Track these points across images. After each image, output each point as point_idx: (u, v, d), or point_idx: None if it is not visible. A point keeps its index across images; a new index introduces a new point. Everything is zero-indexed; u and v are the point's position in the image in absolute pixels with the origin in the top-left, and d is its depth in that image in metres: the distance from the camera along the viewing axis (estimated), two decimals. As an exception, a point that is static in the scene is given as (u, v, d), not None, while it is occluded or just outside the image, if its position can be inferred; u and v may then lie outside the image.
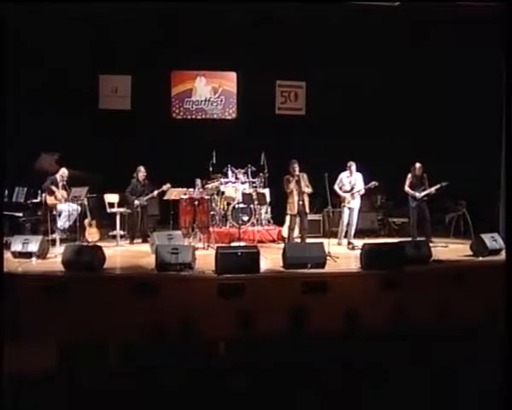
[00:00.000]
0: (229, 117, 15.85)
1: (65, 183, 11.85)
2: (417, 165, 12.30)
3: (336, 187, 12.06)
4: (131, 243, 12.64)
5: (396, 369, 5.29)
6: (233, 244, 11.47)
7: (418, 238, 11.59)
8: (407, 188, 12.34)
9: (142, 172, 12.74)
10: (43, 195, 11.92)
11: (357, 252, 10.21)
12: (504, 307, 6.23)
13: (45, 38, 13.52)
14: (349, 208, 12.14)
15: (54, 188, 11.77)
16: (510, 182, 8.13)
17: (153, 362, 5.34)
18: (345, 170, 12.24)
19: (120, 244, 12.31)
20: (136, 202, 12.59)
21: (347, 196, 12.08)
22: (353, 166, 12.16)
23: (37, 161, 12.69)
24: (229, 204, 13.10)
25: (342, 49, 14.48)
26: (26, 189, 12.33)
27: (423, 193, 12.14)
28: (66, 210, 11.73)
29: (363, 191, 12.16)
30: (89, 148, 13.77)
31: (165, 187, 12.48)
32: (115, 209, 12.73)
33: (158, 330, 5.90)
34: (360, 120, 14.61)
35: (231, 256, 9.30)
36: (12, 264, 9.87)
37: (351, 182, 12.17)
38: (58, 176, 11.89)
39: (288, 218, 11.99)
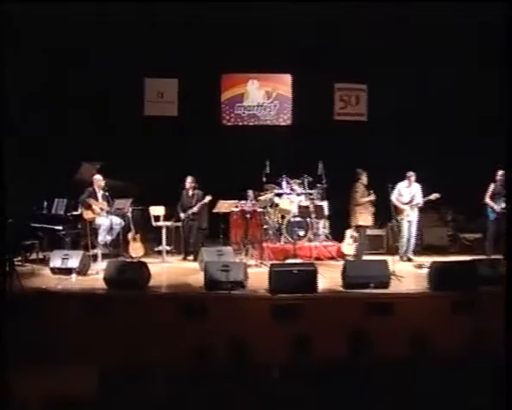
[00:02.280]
0: (283, 123, 15.80)
1: (107, 193, 11.88)
2: (500, 172, 11.85)
3: (394, 198, 11.98)
4: (185, 258, 12.65)
5: (470, 399, 5.15)
6: (288, 261, 11.47)
7: (493, 256, 11.34)
8: (487, 199, 12.01)
9: (188, 183, 12.70)
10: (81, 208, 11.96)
11: (425, 271, 10.11)
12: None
13: (88, 42, 13.72)
14: (408, 222, 12.04)
15: (91, 200, 11.75)
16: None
17: (200, 388, 5.29)
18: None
19: (166, 260, 12.34)
20: (182, 216, 12.59)
21: (407, 208, 11.95)
22: (413, 176, 12.12)
23: (78, 170, 12.75)
24: (283, 217, 13.03)
25: (407, 48, 14.32)
26: (65, 200, 12.32)
27: (503, 204, 11.64)
28: (106, 224, 11.72)
29: (421, 203, 12.02)
30: (132, 157, 13.89)
31: (206, 199, 12.49)
32: (161, 223, 12.72)
33: (206, 354, 5.86)
34: (428, 126, 14.38)
35: (286, 274, 9.33)
36: (51, 281, 10.07)
37: (410, 193, 12.06)
38: (95, 186, 11.93)
39: (350, 232, 12.10)
